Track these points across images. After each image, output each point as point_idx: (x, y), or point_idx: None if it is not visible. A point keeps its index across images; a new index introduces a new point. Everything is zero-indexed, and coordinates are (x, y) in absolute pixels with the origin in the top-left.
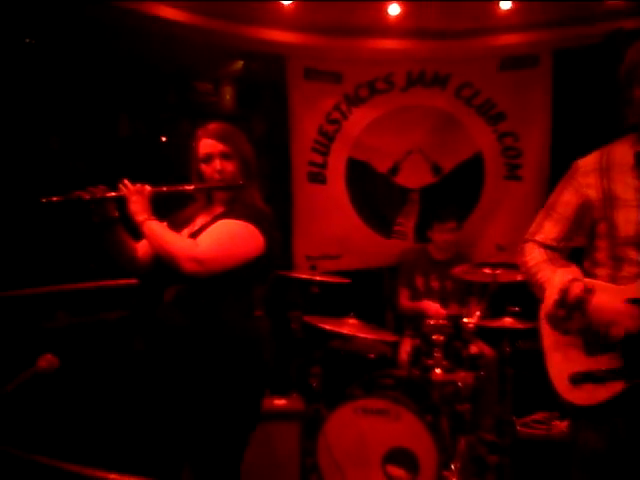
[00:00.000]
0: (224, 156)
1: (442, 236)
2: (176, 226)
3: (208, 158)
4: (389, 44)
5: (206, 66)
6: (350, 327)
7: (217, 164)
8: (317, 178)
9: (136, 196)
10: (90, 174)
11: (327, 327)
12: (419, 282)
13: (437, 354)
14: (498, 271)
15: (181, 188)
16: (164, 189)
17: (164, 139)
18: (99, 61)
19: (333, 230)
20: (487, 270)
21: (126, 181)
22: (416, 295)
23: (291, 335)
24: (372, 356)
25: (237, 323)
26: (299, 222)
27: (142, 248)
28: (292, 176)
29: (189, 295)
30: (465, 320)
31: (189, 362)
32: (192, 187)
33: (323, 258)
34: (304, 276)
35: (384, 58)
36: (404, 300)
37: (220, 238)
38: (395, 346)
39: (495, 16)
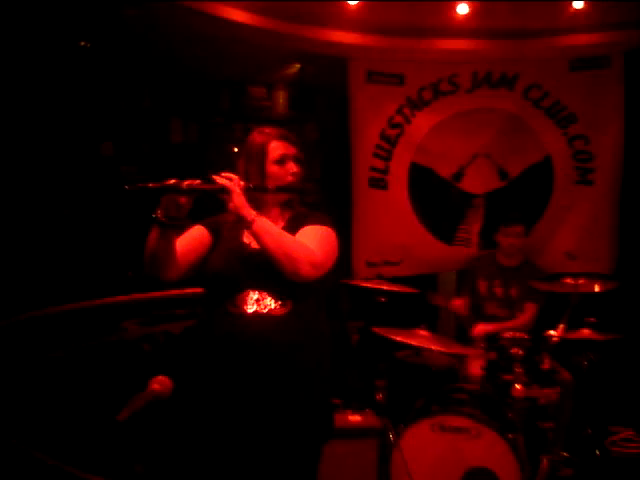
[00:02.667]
0: (296, 159)
1: (508, 240)
2: (223, 231)
3: (282, 160)
4: (454, 44)
5: (261, 70)
6: (421, 339)
7: (292, 166)
8: (378, 184)
9: (239, 189)
10: (142, 180)
11: (399, 339)
12: (482, 286)
13: (517, 369)
14: (581, 281)
15: (265, 187)
16: (251, 186)
17: (236, 150)
18: (152, 66)
19: (394, 236)
20: (568, 280)
21: (228, 173)
22: (477, 300)
23: (349, 346)
24: (439, 369)
25: (328, 333)
26: (359, 228)
27: (181, 255)
28: (352, 181)
29: (282, 302)
30: (551, 333)
31: (274, 374)
32: (274, 187)
33: (384, 264)
34: (370, 285)
35: (449, 59)
36: (464, 310)
37: (325, 244)
38: (463, 359)
39: (566, 16)
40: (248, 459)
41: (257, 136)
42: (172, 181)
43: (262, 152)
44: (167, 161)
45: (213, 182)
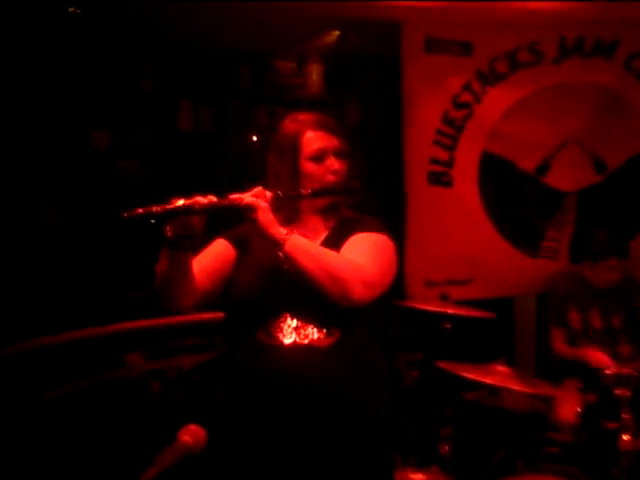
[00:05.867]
0: (338, 154)
1: (599, 277)
2: (251, 242)
3: (320, 155)
4: (536, 3)
5: (289, 40)
6: (498, 376)
7: (333, 163)
8: (441, 179)
9: (266, 205)
10: (146, 177)
11: (469, 376)
12: (574, 319)
13: (624, 415)
14: None
15: (297, 193)
16: (280, 194)
17: (255, 138)
18: (155, 37)
19: (462, 247)
20: None
21: (260, 188)
22: (572, 336)
23: (405, 385)
24: (521, 414)
25: (383, 369)
26: (416, 237)
27: (197, 275)
28: (406, 178)
29: (327, 331)
30: None
31: (318, 421)
32: (309, 191)
33: (447, 284)
34: (432, 308)
35: (529, 22)
36: (559, 343)
37: (380, 256)
38: (552, 401)
39: None
40: None
41: (289, 125)
42: (181, 202)
43: (295, 146)
44: (174, 154)
45: (231, 200)
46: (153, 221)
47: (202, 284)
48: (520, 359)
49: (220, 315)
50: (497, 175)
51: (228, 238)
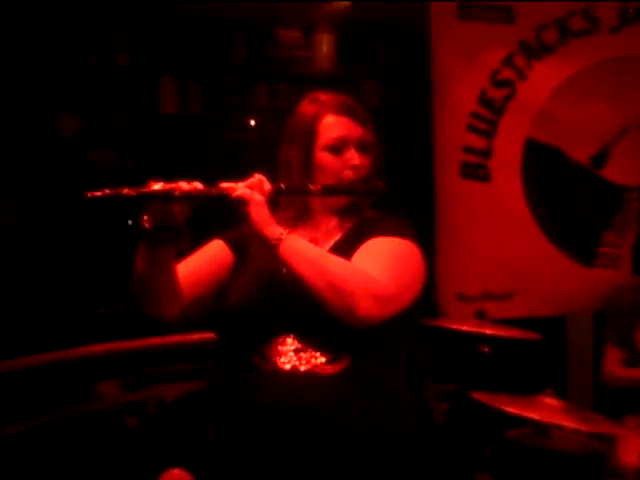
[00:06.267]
0: (361, 146)
1: None
2: (251, 247)
3: (339, 146)
4: None
5: (294, 5)
6: (546, 410)
7: (354, 156)
8: (476, 172)
9: (261, 199)
10: (122, 170)
11: (511, 410)
12: None
13: None
14: None
15: (304, 188)
16: (282, 187)
17: (252, 122)
18: (131, 3)
19: (501, 254)
20: None
21: (260, 177)
22: (634, 358)
23: (434, 421)
24: (574, 456)
25: (408, 404)
26: (446, 241)
27: (183, 277)
28: (435, 170)
29: (334, 355)
30: None
31: (326, 466)
32: (318, 188)
33: (485, 298)
34: (467, 328)
35: None
36: (613, 365)
37: (399, 265)
38: (612, 441)
39: None
40: None
41: (306, 106)
42: (158, 186)
43: (310, 131)
44: (156, 141)
45: (221, 189)
46: (125, 193)
47: (191, 290)
48: (573, 390)
49: (211, 336)
50: (544, 167)
51: (225, 240)
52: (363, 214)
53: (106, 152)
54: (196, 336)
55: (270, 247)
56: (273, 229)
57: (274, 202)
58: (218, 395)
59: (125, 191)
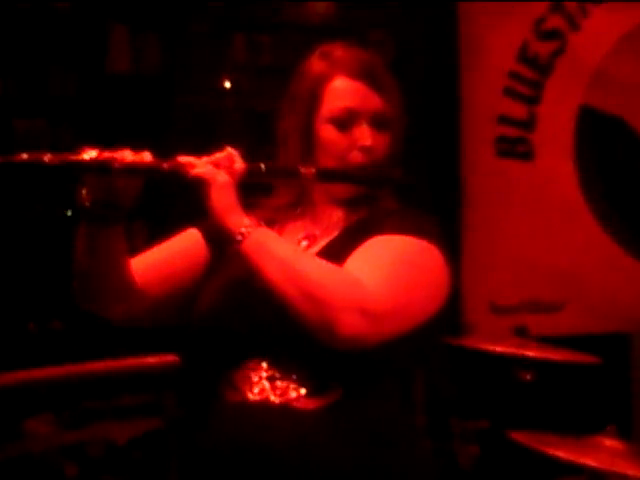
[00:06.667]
0: (377, 121)
1: None
2: None
3: (347, 119)
4: None
5: None
6: (606, 454)
7: (365, 134)
8: (515, 149)
9: (226, 179)
10: (57, 144)
11: (562, 455)
12: None
13: None
14: None
15: (292, 168)
16: (261, 168)
17: (227, 84)
18: None
19: (547, 253)
20: None
21: (230, 152)
22: None
23: (460, 468)
24: None
25: (425, 451)
26: (477, 238)
27: (142, 273)
28: (464, 146)
29: (319, 386)
30: None
31: None
32: (312, 171)
33: (527, 310)
34: (504, 349)
35: None
36: None
37: (401, 274)
38: None
39: None
40: None
41: (314, 63)
42: (92, 154)
43: (312, 96)
44: (102, 108)
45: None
46: (47, 160)
47: (151, 287)
48: None
49: (172, 359)
50: (603, 142)
51: (202, 229)
52: (379, 206)
53: (37, 121)
54: (153, 360)
55: (232, 242)
56: (237, 219)
57: (266, 187)
58: (180, 434)
59: (47, 158)
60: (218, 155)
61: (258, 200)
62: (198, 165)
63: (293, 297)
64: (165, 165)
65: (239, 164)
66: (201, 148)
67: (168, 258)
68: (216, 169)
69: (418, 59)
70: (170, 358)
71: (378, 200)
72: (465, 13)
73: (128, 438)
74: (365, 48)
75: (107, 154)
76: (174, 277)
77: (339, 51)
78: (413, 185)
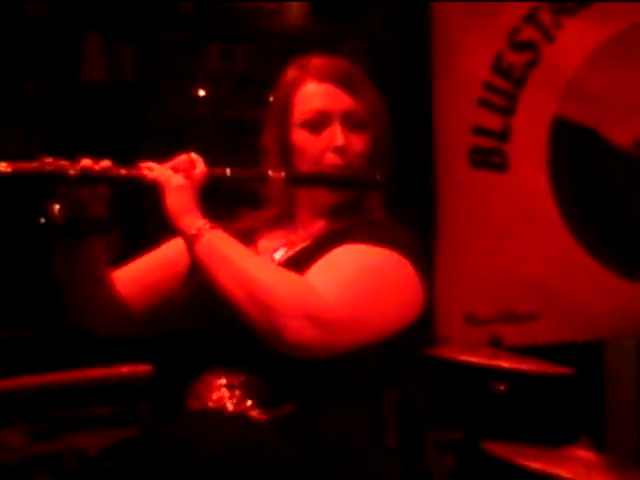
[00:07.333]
0: (350, 121)
1: None
2: None
3: (319, 121)
4: None
5: None
6: (580, 466)
7: (336, 135)
8: (490, 160)
9: (182, 182)
10: (32, 151)
11: (536, 466)
12: None
13: None
14: None
15: (260, 173)
16: (226, 172)
17: (202, 92)
18: None
19: (522, 264)
20: None
21: (189, 157)
22: None
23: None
24: None
25: (362, 463)
26: (451, 248)
27: (126, 285)
28: (437, 156)
29: (275, 397)
30: None
31: None
32: (280, 176)
33: (502, 320)
34: (478, 360)
35: None
36: None
37: (361, 283)
38: None
39: None
40: None
41: (287, 72)
42: (48, 160)
43: (285, 104)
44: (76, 116)
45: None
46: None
47: (136, 299)
48: (614, 439)
49: (145, 369)
50: (577, 153)
51: None
52: (363, 216)
53: (11, 129)
54: (126, 369)
55: (187, 241)
56: (190, 221)
57: (256, 199)
58: (153, 445)
59: (1, 166)
60: (177, 159)
61: (244, 212)
62: (155, 169)
63: (242, 301)
64: (123, 171)
65: (200, 168)
66: (175, 156)
67: (152, 269)
68: (172, 173)
69: (392, 69)
70: (143, 368)
71: (364, 210)
72: (439, 22)
73: (100, 448)
74: (341, 57)
75: (63, 162)
76: (159, 288)
77: (312, 60)
78: (389, 188)
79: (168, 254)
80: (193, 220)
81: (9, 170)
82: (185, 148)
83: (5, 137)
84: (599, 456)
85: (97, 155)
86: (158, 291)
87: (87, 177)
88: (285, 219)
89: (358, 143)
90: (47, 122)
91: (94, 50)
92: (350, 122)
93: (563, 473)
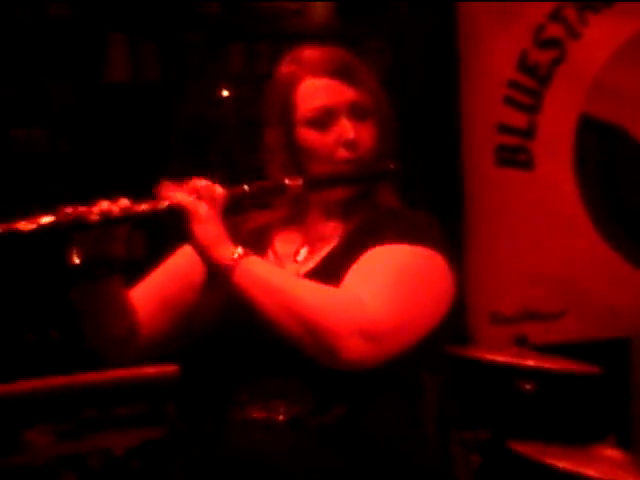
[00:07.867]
0: (356, 112)
1: None
2: None
3: (325, 118)
4: None
5: None
6: (607, 465)
7: (346, 128)
8: (515, 158)
9: (208, 211)
10: (56, 154)
11: (563, 465)
12: None
13: None
14: None
15: (277, 183)
16: (245, 189)
17: (225, 93)
18: None
19: (548, 262)
20: None
21: (195, 182)
22: None
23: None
24: None
25: (414, 458)
26: (478, 248)
27: (143, 305)
28: (464, 154)
29: (323, 403)
30: None
31: None
32: (298, 183)
33: (527, 319)
34: (504, 359)
35: None
36: None
37: (402, 288)
38: None
39: None
40: None
41: (282, 69)
42: (67, 212)
43: (286, 102)
44: (100, 117)
45: (158, 199)
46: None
47: (151, 322)
48: None
49: (172, 369)
50: (603, 151)
51: None
52: (377, 206)
53: (36, 131)
54: (152, 370)
55: (221, 276)
56: (224, 251)
57: (263, 205)
58: (181, 446)
59: (22, 225)
60: (197, 185)
61: (253, 214)
62: (177, 196)
63: (291, 326)
64: (143, 206)
65: (219, 190)
66: (198, 157)
67: (166, 283)
68: (196, 200)
69: (417, 67)
70: (170, 368)
71: (376, 197)
72: (465, 21)
73: (126, 448)
74: (332, 45)
75: (82, 209)
76: (175, 301)
77: (305, 52)
78: (407, 176)
79: (180, 264)
80: (226, 249)
81: (31, 228)
82: (208, 148)
83: (29, 139)
84: (625, 454)
85: (122, 156)
86: (175, 305)
87: (109, 221)
88: (296, 217)
89: (367, 132)
90: (71, 123)
91: (118, 51)
92: (356, 113)
93: (590, 472)
